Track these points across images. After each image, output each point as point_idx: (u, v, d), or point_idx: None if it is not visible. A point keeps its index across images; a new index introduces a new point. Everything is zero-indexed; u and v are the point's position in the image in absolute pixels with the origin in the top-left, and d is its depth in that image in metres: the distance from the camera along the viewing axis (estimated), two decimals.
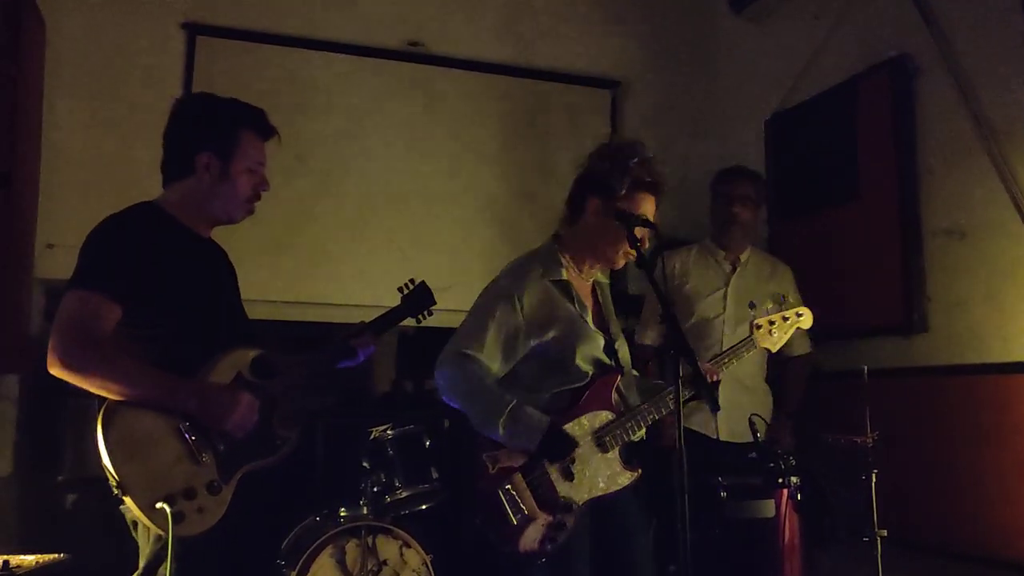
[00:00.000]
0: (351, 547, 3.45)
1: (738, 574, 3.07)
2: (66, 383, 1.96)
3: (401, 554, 3.52)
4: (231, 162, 2.25)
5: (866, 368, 3.12)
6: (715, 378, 2.51)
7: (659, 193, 2.52)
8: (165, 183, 2.30)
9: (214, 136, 2.25)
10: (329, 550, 3.43)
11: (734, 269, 3.67)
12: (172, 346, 2.13)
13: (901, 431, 3.34)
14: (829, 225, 4.02)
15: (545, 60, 4.62)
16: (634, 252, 2.39)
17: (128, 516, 2.14)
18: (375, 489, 3.56)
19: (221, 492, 2.09)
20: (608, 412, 2.46)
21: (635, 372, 2.73)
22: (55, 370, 2.03)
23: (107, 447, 2.00)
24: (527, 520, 2.32)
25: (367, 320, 2.59)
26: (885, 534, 3.01)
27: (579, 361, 2.45)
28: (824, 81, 4.09)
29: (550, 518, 2.33)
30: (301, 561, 3.36)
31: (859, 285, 3.80)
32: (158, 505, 1.97)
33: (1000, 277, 3.25)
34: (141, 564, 2.11)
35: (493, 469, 2.36)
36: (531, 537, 2.32)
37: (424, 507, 3.65)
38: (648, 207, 2.48)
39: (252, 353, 2.24)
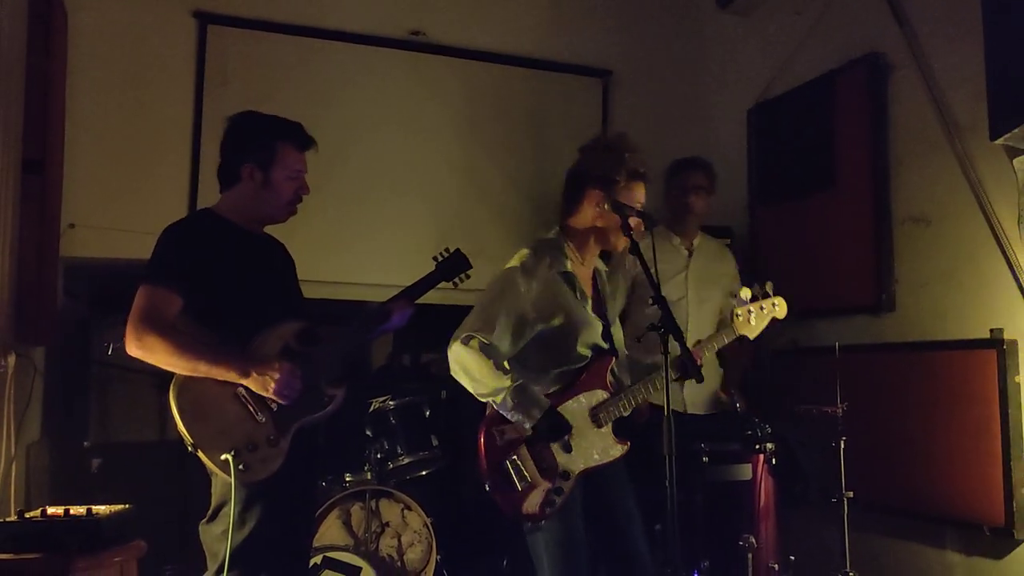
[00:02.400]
0: (356, 510, 3.61)
1: (717, 532, 3.25)
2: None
3: (403, 517, 3.67)
4: (271, 171, 2.54)
5: (837, 344, 3.32)
6: (699, 362, 2.63)
7: (649, 181, 2.73)
8: (222, 189, 2.61)
9: (255, 149, 2.55)
10: (336, 513, 3.59)
11: (690, 254, 3.79)
12: (228, 326, 2.42)
13: (869, 402, 3.52)
14: (806, 211, 4.13)
15: (541, 49, 4.70)
16: (627, 241, 2.59)
17: (208, 467, 2.40)
18: (378, 456, 3.72)
19: (279, 444, 2.38)
20: (603, 391, 2.67)
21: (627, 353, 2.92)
22: (132, 351, 2.34)
23: (179, 412, 2.32)
24: (530, 487, 2.54)
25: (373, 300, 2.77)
26: (852, 496, 3.21)
27: (579, 347, 2.65)
28: (804, 74, 4.20)
29: (550, 485, 2.55)
30: None
31: (833, 267, 3.94)
32: (222, 457, 2.28)
33: (961, 261, 3.40)
34: (213, 503, 2.41)
35: (500, 441, 2.58)
36: (533, 502, 2.54)
37: (424, 472, 3.81)
38: (640, 194, 2.69)
39: (297, 325, 2.51)
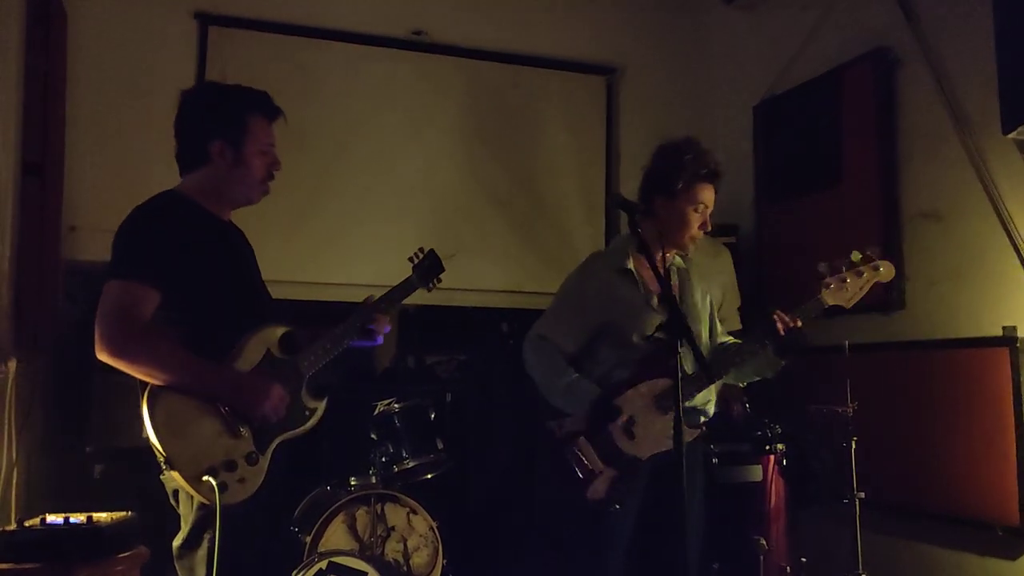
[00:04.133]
0: (361, 514, 3.55)
1: (728, 534, 3.22)
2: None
3: (409, 520, 3.61)
4: (243, 147, 2.30)
5: (847, 343, 3.28)
6: (798, 323, 2.73)
7: (715, 180, 2.79)
8: (183, 172, 2.35)
9: (223, 124, 2.30)
10: (341, 517, 3.52)
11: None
12: (205, 325, 2.22)
13: (880, 401, 3.49)
14: (813, 208, 4.10)
15: (544, 47, 4.69)
16: (701, 233, 2.76)
17: (169, 486, 2.25)
18: (383, 459, 3.68)
19: (259, 462, 2.20)
20: (667, 379, 2.64)
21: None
22: (103, 356, 2.11)
23: (153, 426, 2.10)
24: (593, 474, 2.63)
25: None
26: (863, 496, 3.16)
27: (637, 338, 2.74)
28: (811, 69, 4.17)
29: (614, 472, 2.63)
30: (315, 527, 3.46)
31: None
32: (204, 478, 2.08)
33: (971, 258, 3.37)
34: (185, 530, 2.22)
35: (560, 433, 2.69)
36: (599, 489, 2.62)
37: (430, 476, 3.76)
38: (707, 195, 2.77)
39: (280, 330, 2.33)
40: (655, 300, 2.78)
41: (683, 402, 2.57)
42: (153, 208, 2.26)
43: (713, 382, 2.76)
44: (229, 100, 2.35)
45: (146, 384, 2.14)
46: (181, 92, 2.39)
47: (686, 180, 2.73)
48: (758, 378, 2.96)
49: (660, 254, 2.65)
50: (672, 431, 2.50)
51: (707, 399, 2.85)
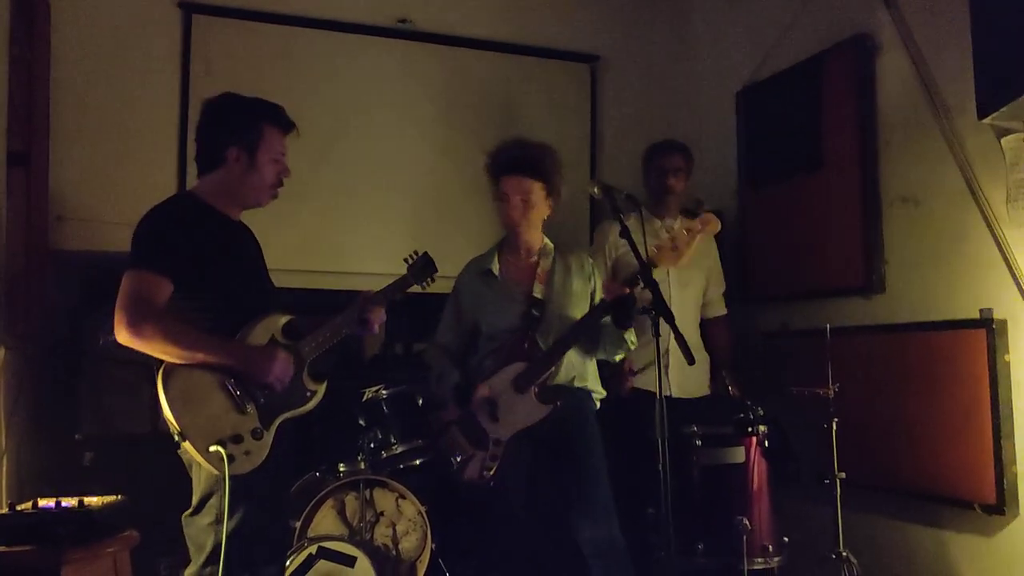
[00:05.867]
0: (350, 500, 3.58)
1: (711, 515, 3.28)
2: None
3: (397, 505, 3.63)
4: (257, 153, 2.51)
5: (828, 326, 3.33)
6: (625, 291, 2.90)
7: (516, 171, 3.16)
8: (200, 174, 2.56)
9: (241, 132, 2.50)
10: (330, 503, 3.57)
11: (670, 236, 3.79)
12: (215, 313, 2.40)
13: (860, 383, 3.54)
14: (795, 193, 4.12)
15: (528, 35, 4.70)
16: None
17: (185, 458, 2.41)
18: (372, 445, 3.70)
19: (263, 437, 2.37)
20: (522, 363, 3.00)
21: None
22: (123, 339, 2.29)
23: (168, 400, 2.28)
24: (468, 458, 2.97)
25: (362, 288, 2.81)
26: (844, 476, 3.23)
27: (498, 331, 3.11)
28: (791, 57, 4.17)
29: (484, 452, 2.94)
30: (304, 513, 3.50)
31: (823, 249, 3.92)
32: (212, 448, 2.26)
33: (949, 241, 3.40)
34: (195, 498, 2.39)
35: (435, 426, 3.09)
36: (473, 469, 2.95)
37: (418, 461, 3.76)
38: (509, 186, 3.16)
39: (283, 319, 2.51)
40: (519, 293, 3.12)
41: (544, 380, 2.95)
42: (168, 208, 2.48)
43: (554, 359, 2.98)
44: (247, 110, 2.55)
45: (160, 363, 2.31)
46: (204, 101, 2.58)
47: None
48: (617, 355, 3.20)
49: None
50: (527, 411, 2.92)
51: (571, 376, 3.08)
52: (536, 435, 2.97)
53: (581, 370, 3.17)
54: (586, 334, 3.03)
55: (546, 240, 3.26)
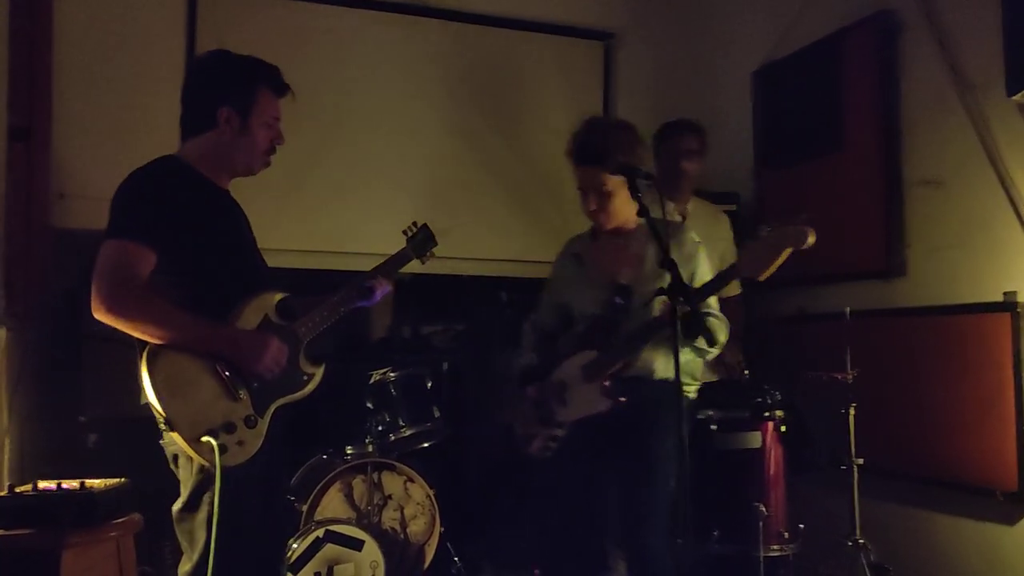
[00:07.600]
0: (358, 483, 3.58)
1: (727, 500, 3.24)
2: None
3: (406, 489, 3.64)
4: (250, 116, 2.32)
5: (848, 310, 3.26)
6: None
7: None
8: (185, 137, 2.36)
9: (233, 91, 2.31)
10: (337, 485, 3.56)
11: (684, 219, 3.70)
12: (203, 290, 2.22)
13: (880, 368, 3.47)
14: (814, 175, 4.06)
15: (540, 12, 4.63)
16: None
17: (169, 450, 2.25)
18: (379, 428, 3.68)
19: (257, 425, 2.20)
20: (593, 352, 2.86)
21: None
22: (100, 315, 2.11)
23: (153, 386, 2.09)
24: (534, 434, 2.98)
25: (368, 268, 2.67)
26: (861, 462, 3.17)
27: (578, 314, 3.00)
28: (811, 34, 4.09)
29: (549, 431, 2.93)
30: (312, 496, 3.49)
31: (843, 232, 3.81)
32: (203, 438, 2.08)
33: (973, 224, 3.33)
34: (185, 494, 2.21)
35: (515, 400, 3.05)
36: (537, 446, 2.96)
37: (427, 444, 3.77)
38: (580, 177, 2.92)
39: (277, 296, 2.35)
40: (603, 279, 2.95)
41: (616, 372, 2.83)
42: (151, 171, 2.26)
43: (622, 356, 2.82)
44: (241, 69, 2.36)
45: (144, 345, 2.13)
46: (194, 58, 2.37)
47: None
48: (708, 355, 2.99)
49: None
50: (590, 400, 2.83)
51: (650, 368, 2.88)
52: (602, 424, 2.83)
53: (664, 362, 2.90)
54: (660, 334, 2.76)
55: (642, 220, 2.71)
